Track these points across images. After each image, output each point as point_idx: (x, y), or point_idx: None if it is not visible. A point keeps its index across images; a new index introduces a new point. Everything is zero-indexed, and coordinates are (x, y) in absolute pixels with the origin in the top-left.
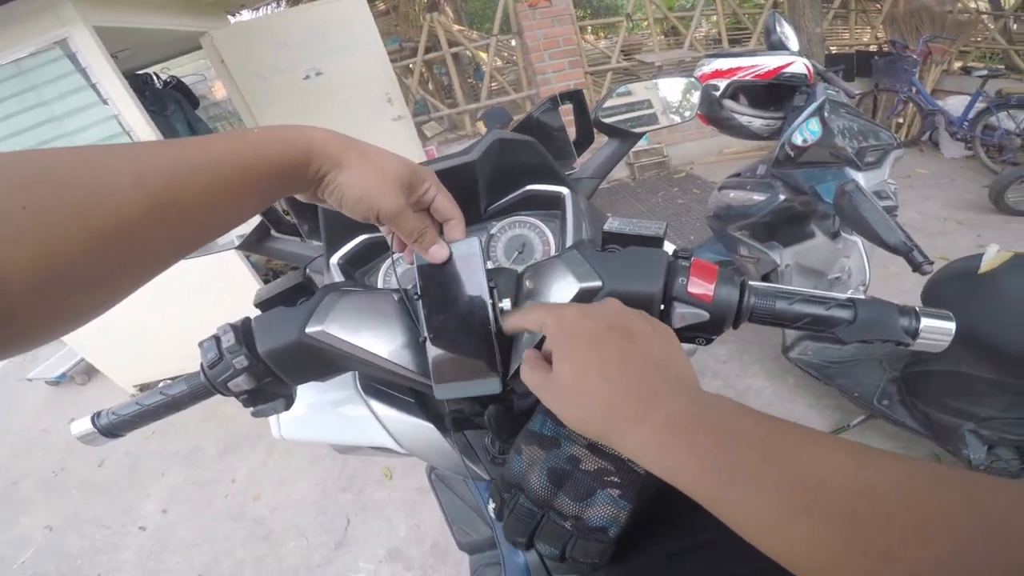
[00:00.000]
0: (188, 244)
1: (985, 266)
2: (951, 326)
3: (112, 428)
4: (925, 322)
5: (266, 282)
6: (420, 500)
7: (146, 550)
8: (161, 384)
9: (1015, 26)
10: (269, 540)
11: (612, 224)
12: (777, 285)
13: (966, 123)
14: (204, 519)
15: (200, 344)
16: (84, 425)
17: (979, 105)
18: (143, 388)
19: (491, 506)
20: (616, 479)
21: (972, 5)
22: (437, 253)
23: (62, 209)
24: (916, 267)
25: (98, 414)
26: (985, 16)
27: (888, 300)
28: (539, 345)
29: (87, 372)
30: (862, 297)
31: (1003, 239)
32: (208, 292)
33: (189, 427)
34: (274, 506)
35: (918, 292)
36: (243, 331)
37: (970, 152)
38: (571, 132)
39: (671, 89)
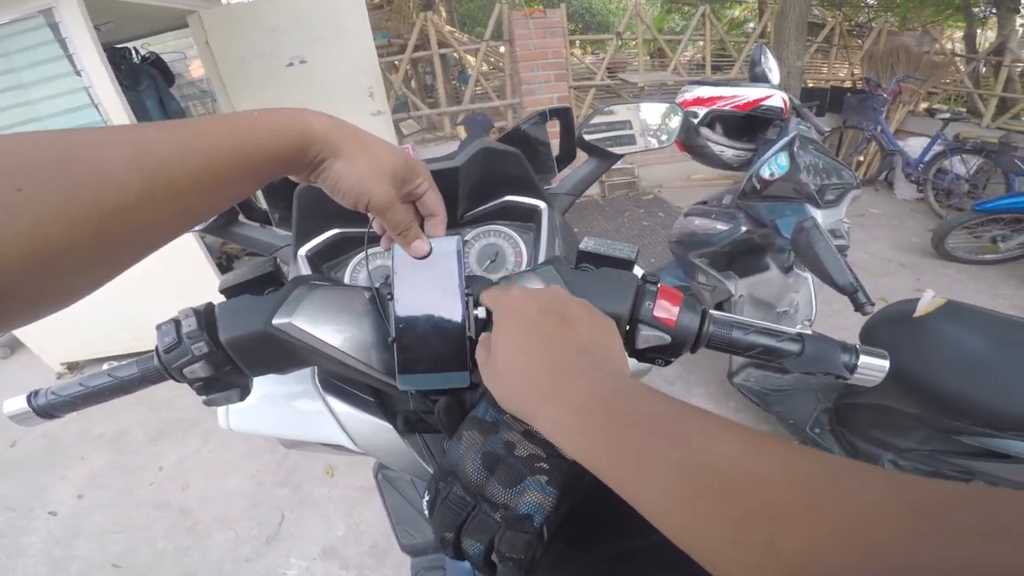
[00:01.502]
0: (181, 225)
1: (920, 310)
2: (885, 364)
3: (50, 408)
4: (863, 359)
5: (220, 266)
6: (362, 499)
7: (55, 536)
8: (106, 365)
9: (984, 69)
10: (194, 531)
11: (587, 244)
12: (734, 316)
13: (921, 165)
14: (124, 506)
15: (158, 327)
16: (18, 404)
17: (936, 148)
18: (71, 367)
19: (425, 499)
20: (545, 465)
21: (949, 47)
22: (419, 248)
23: (57, 191)
24: (859, 307)
25: (35, 393)
26: (958, 58)
27: (830, 336)
28: None
29: (10, 345)
30: (809, 332)
31: (938, 284)
32: (155, 272)
33: (118, 409)
34: (203, 497)
35: (858, 329)
36: (205, 317)
37: (921, 195)
38: (554, 147)
39: (652, 113)
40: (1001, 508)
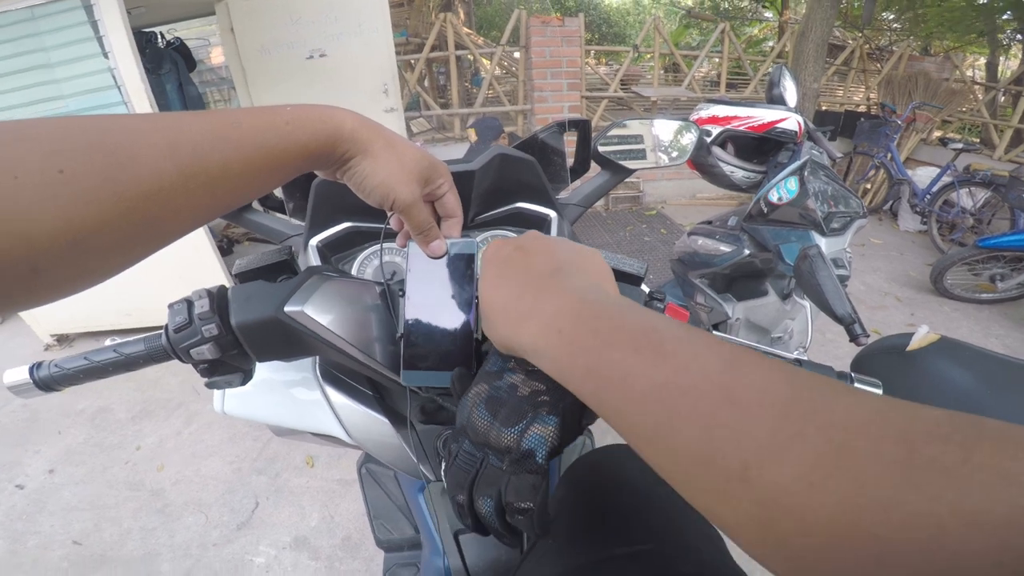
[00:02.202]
0: (211, 212)
1: (913, 344)
2: (878, 393)
3: (51, 381)
4: (857, 387)
5: (220, 246)
6: (340, 492)
7: (18, 510)
8: (109, 340)
9: (1003, 99)
10: (164, 513)
11: None
12: (734, 338)
13: (928, 196)
14: (96, 484)
15: (170, 306)
16: (19, 375)
17: (945, 179)
18: (60, 339)
19: (443, 468)
20: (546, 397)
21: (969, 74)
22: (438, 248)
23: (96, 175)
24: (854, 338)
25: (38, 364)
26: (978, 87)
27: (826, 364)
28: None
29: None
30: (806, 359)
31: (933, 320)
32: None
33: (103, 386)
34: (178, 479)
35: (848, 359)
36: (218, 299)
37: (924, 227)
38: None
39: (666, 129)
40: (994, 443)
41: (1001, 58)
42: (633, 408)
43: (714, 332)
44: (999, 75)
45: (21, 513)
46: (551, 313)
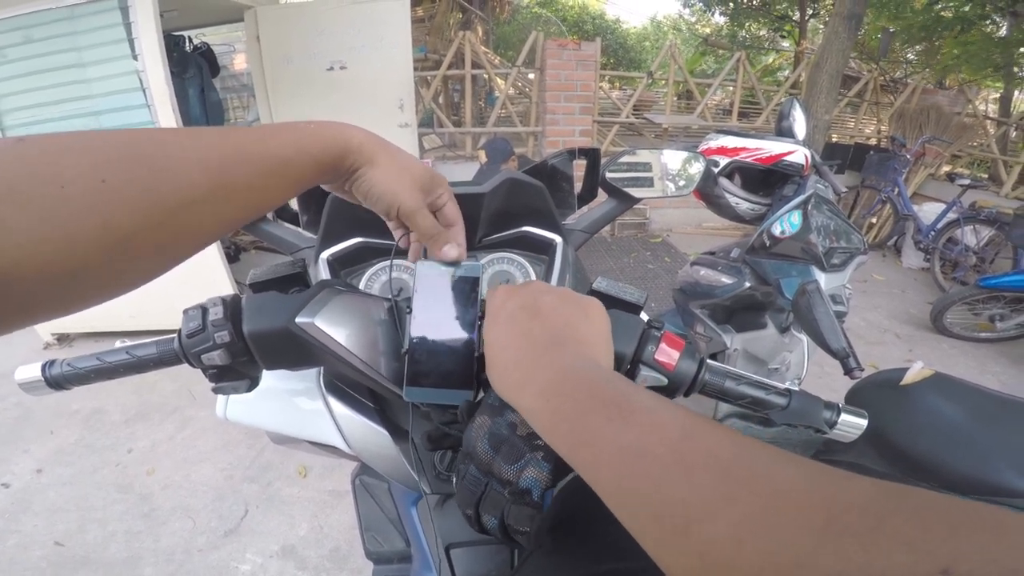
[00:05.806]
0: (232, 223)
1: (907, 379)
2: (863, 423)
3: (62, 379)
4: (843, 417)
5: (227, 253)
6: (331, 503)
7: (0, 508)
8: (119, 342)
9: (1015, 134)
10: (151, 517)
11: (600, 284)
12: (728, 367)
13: (933, 232)
14: (83, 486)
15: (185, 311)
16: (31, 372)
17: (950, 215)
18: (61, 339)
19: (454, 481)
20: (540, 442)
21: (982, 108)
22: (450, 252)
23: (135, 185)
24: (848, 372)
25: (51, 363)
26: (989, 121)
27: (817, 394)
28: None
29: None
30: (796, 389)
31: (930, 357)
32: None
33: (99, 388)
34: (168, 484)
35: (844, 392)
36: (232, 307)
37: (928, 264)
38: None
39: (673, 159)
40: (906, 514)
41: (1016, 92)
42: (601, 467)
43: (712, 362)
44: (1012, 109)
45: (3, 512)
46: (542, 383)
